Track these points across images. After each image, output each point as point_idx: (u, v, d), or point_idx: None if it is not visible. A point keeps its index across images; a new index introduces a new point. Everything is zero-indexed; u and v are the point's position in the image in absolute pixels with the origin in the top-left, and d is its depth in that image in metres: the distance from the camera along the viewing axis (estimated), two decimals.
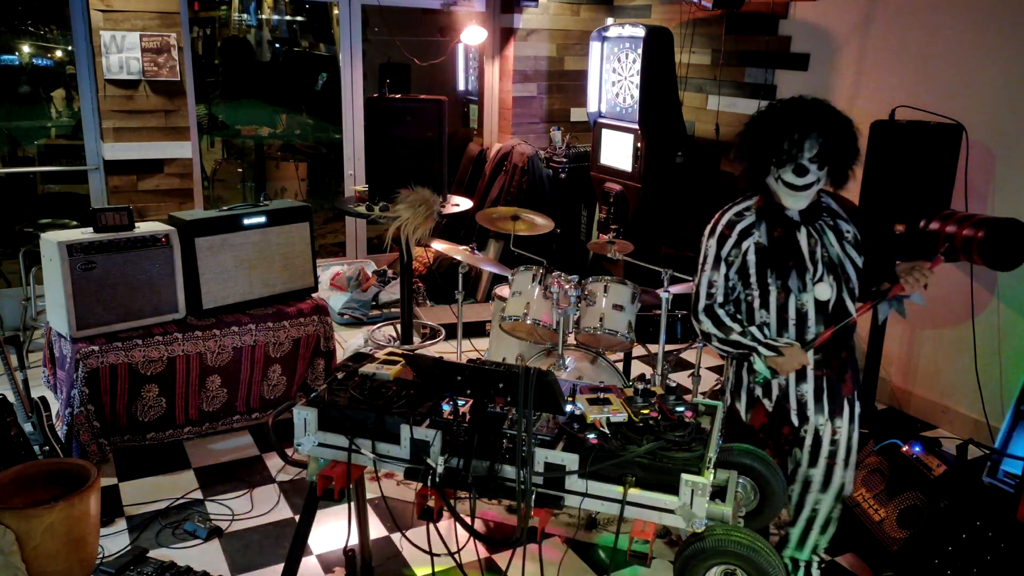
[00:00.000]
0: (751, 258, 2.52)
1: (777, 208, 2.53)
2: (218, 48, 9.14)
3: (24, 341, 4.46)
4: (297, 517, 3.33)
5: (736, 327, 2.55)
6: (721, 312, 2.58)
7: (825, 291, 2.49)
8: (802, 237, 2.50)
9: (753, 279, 2.53)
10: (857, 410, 2.62)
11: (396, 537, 3.22)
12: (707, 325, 2.60)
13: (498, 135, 6.71)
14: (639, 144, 5.50)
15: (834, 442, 2.60)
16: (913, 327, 4.47)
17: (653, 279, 3.88)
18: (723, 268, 2.56)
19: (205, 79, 8.62)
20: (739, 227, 2.54)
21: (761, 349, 2.51)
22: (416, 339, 5.16)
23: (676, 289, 3.74)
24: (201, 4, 8.55)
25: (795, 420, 2.61)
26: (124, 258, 3.64)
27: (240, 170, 8.69)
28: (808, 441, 2.63)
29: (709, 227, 2.61)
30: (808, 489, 2.65)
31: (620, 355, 4.04)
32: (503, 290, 4.01)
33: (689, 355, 4.96)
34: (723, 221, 2.57)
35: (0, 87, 7.24)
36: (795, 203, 2.48)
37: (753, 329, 2.54)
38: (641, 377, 3.47)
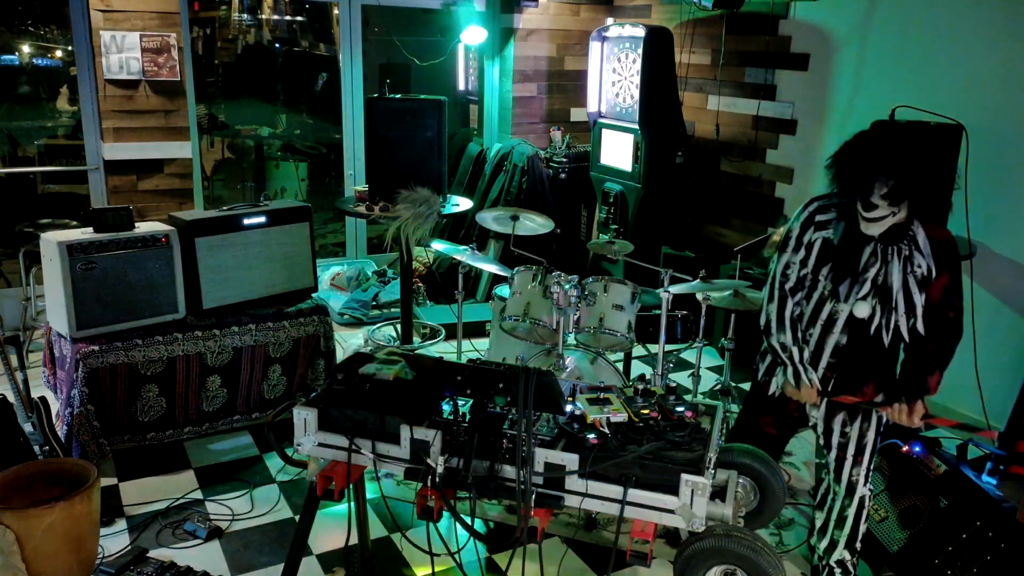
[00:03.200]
0: (816, 250, 2.59)
1: (857, 218, 2.53)
2: (235, 54, 9.16)
3: (24, 341, 4.46)
4: (297, 517, 3.33)
5: (789, 334, 2.62)
6: (790, 304, 2.63)
7: (863, 310, 2.53)
8: (867, 252, 2.52)
9: (810, 268, 2.61)
10: (877, 416, 2.66)
11: (396, 537, 3.22)
12: (772, 312, 2.65)
13: (498, 135, 6.71)
14: (639, 144, 5.50)
15: (844, 434, 2.68)
16: None
17: (653, 279, 3.88)
18: (802, 252, 2.61)
19: (205, 79, 8.62)
20: (821, 217, 2.59)
21: (789, 371, 2.63)
22: (416, 339, 5.16)
23: (676, 289, 3.74)
24: (201, 4, 8.54)
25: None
26: (124, 258, 3.64)
27: (240, 170, 8.69)
28: (820, 428, 2.73)
29: (798, 210, 2.66)
30: (828, 476, 2.78)
31: (620, 355, 4.04)
32: (503, 290, 4.01)
33: (689, 355, 4.96)
34: (812, 207, 2.63)
35: (0, 87, 7.24)
36: (866, 229, 2.49)
37: (796, 349, 2.62)
38: (641, 377, 3.46)
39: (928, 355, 2.53)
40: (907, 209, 2.43)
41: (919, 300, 2.49)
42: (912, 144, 2.36)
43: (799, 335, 2.64)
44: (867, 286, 2.52)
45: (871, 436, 2.66)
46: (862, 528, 2.76)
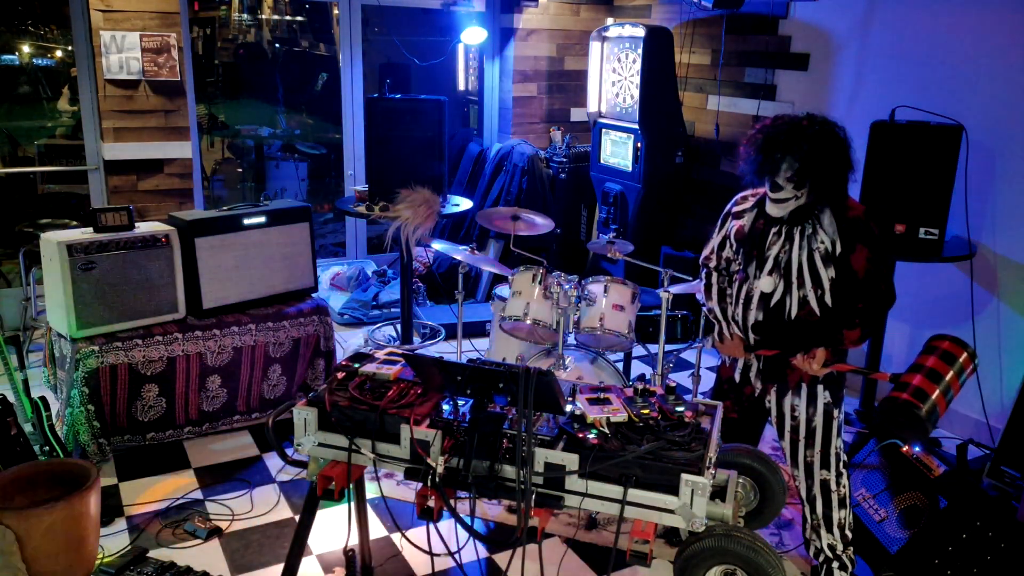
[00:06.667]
0: (731, 236, 2.82)
1: (766, 203, 2.71)
2: (234, 52, 9.17)
3: (24, 341, 4.46)
4: (297, 517, 3.33)
5: (714, 300, 2.90)
6: (715, 278, 2.91)
7: (767, 284, 2.70)
8: (771, 232, 2.69)
9: (731, 252, 2.84)
10: (821, 396, 2.75)
11: (396, 537, 3.22)
12: (702, 287, 2.97)
13: (498, 135, 6.71)
14: (639, 144, 5.50)
15: (795, 418, 2.79)
16: (914, 327, 4.47)
17: (653, 279, 3.88)
18: (720, 238, 2.88)
19: (205, 79, 8.62)
20: (739, 207, 2.83)
21: (716, 329, 2.89)
22: (416, 339, 5.16)
23: (676, 289, 3.74)
24: (201, 4, 8.54)
25: (737, 378, 2.90)
26: (124, 258, 3.64)
27: (240, 170, 8.69)
28: (773, 412, 2.84)
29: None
30: (788, 462, 2.87)
31: (620, 355, 4.04)
32: (503, 290, 4.01)
33: (689, 355, 4.96)
34: (735, 198, 2.88)
35: (0, 87, 7.24)
36: (772, 210, 2.67)
37: (719, 310, 2.87)
38: (641, 377, 3.47)
39: (854, 313, 2.63)
40: (811, 194, 2.58)
41: (825, 274, 2.61)
42: (816, 134, 2.53)
43: (724, 302, 2.87)
44: (770, 263, 2.68)
45: (819, 420, 2.75)
46: (838, 512, 2.80)
